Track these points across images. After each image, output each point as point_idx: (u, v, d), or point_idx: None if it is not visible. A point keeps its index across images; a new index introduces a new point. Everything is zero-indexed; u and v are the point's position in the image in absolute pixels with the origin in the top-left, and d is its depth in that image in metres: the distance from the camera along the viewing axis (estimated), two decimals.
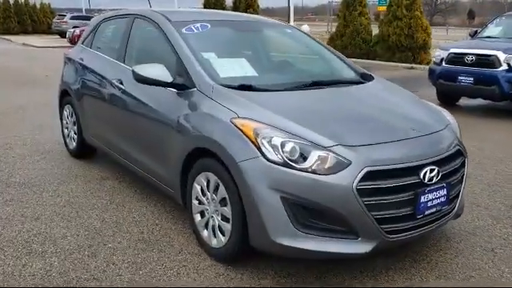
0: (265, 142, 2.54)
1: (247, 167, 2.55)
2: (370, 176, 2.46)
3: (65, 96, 4.96)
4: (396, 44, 15.05)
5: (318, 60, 3.87)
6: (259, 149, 2.54)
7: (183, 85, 3.14)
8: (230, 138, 2.67)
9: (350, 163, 2.46)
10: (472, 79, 7.38)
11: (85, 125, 4.52)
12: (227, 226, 2.75)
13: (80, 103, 4.54)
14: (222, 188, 2.75)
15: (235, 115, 2.73)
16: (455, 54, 7.73)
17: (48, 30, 36.49)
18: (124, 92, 3.71)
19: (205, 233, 2.97)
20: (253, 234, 2.60)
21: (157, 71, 3.14)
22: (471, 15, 77.96)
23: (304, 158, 2.48)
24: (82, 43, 4.80)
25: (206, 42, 3.55)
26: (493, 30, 8.63)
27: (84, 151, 4.83)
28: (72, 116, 4.83)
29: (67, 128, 5.01)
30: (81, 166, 4.70)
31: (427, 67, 14.30)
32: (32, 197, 3.89)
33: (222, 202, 2.77)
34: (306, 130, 2.59)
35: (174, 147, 3.12)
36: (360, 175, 2.44)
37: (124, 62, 3.92)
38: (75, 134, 4.81)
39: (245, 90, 2.99)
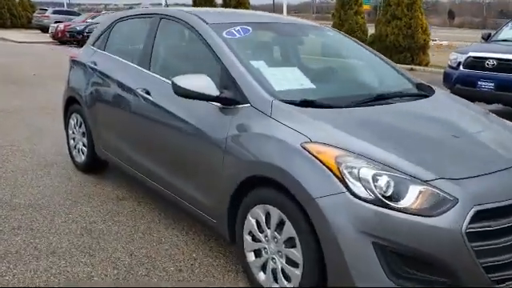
0: (351, 174, 2.10)
1: (328, 205, 2.11)
2: (479, 216, 2.04)
3: (72, 103, 4.44)
4: (394, 44, 14.74)
5: (368, 67, 3.44)
6: (344, 182, 2.10)
7: (231, 99, 2.68)
8: (302, 168, 2.23)
9: (456, 201, 2.05)
10: (493, 85, 7.06)
11: (98, 137, 4.02)
12: (294, 272, 2.31)
13: (92, 113, 4.03)
14: (288, 226, 2.31)
15: (307, 139, 2.28)
16: (474, 57, 7.40)
17: (28, 25, 35.26)
18: (152, 104, 3.22)
19: (261, 276, 2.53)
20: (333, 284, 2.17)
21: (201, 83, 2.68)
22: (451, 15, 78.82)
23: (400, 194, 2.06)
24: (93, 45, 4.28)
25: (251, 48, 3.10)
26: (508, 32, 8.33)
27: (94, 165, 4.33)
28: (80, 126, 4.31)
29: (74, 139, 4.49)
30: (92, 182, 4.19)
31: (428, 69, 14.27)
32: (42, 223, 3.38)
33: (289, 242, 2.32)
34: (399, 159, 2.16)
35: (220, 172, 2.66)
36: (469, 215, 2.02)
37: (149, 69, 3.43)
38: (84, 146, 4.30)
39: (307, 106, 2.55)
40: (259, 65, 2.87)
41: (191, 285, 2.58)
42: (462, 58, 7.60)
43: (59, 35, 21.67)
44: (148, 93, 3.29)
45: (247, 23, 3.26)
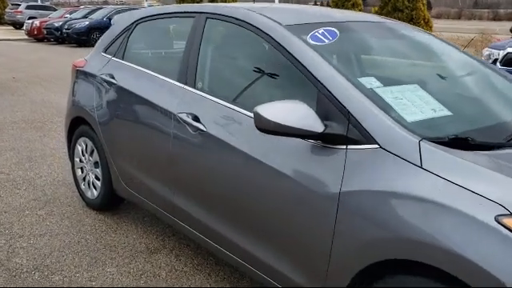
0: None
1: None
2: None
3: (78, 125, 3.53)
4: None
5: (484, 81, 2.62)
6: None
7: (341, 136, 1.86)
8: (496, 254, 1.42)
9: None
10: None
11: (118, 171, 3.14)
12: None
13: (109, 139, 3.15)
14: None
15: (503, 210, 1.46)
16: None
17: None
18: (205, 136, 2.37)
19: None
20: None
21: (299, 115, 1.84)
22: (429, 6, 79.57)
23: None
24: (105, 51, 3.37)
25: (346, 58, 2.27)
26: None
27: (111, 203, 3.45)
28: (92, 154, 3.42)
29: (82, 169, 3.59)
30: (110, 226, 3.31)
31: None
32: None
33: None
34: None
35: (325, 247, 1.84)
36: None
37: (194, 87, 2.57)
38: (98, 179, 3.41)
39: (460, 146, 1.73)
40: (370, 83, 2.04)
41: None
42: (498, 54, 6.90)
43: (35, 32, 20.38)
44: (197, 119, 2.43)
45: (329, 23, 2.42)
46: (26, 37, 21.30)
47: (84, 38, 17.75)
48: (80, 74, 3.51)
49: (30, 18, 23.20)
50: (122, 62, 3.18)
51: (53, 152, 4.91)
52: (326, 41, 2.25)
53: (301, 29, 2.30)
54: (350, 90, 1.92)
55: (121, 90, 3.03)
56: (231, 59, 2.65)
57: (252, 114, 1.95)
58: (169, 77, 2.75)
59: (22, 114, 6.69)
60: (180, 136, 2.54)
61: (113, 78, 3.12)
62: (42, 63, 12.78)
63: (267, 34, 2.28)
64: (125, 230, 3.25)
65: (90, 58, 3.53)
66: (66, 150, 4.88)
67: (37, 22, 20.58)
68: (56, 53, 15.82)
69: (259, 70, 2.35)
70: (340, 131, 1.86)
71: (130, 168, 3.03)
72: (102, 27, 17.85)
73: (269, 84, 2.33)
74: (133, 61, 3.13)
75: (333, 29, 2.36)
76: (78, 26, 17.91)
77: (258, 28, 2.33)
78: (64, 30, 18.19)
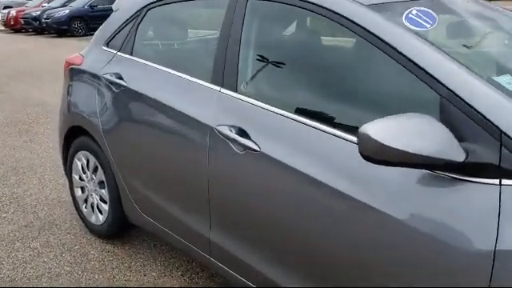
0: None
1: None
2: None
3: (76, 136, 2.89)
4: None
5: None
6: None
7: (492, 166, 1.27)
8: None
9: None
10: None
11: (131, 193, 2.52)
12: None
13: (119, 154, 2.52)
14: None
15: None
16: None
17: None
18: (258, 157, 1.76)
19: None
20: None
21: (434, 138, 1.25)
22: None
23: None
24: (107, 45, 2.71)
25: (465, 50, 1.67)
26: None
27: (121, 231, 2.83)
28: (96, 171, 2.78)
29: (83, 189, 2.96)
30: (122, 261, 2.69)
31: None
32: None
33: None
34: None
35: None
36: None
37: (236, 90, 1.95)
38: (104, 201, 2.78)
39: None
40: (507, 83, 1.44)
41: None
42: None
43: (12, 23, 19.35)
44: (244, 134, 1.82)
45: (416, 2, 1.82)
46: (2, 28, 20.24)
47: (65, 28, 16.81)
48: (76, 73, 2.85)
49: (5, 8, 22.09)
50: (131, 57, 2.52)
51: (42, 161, 4.24)
52: (427, 25, 1.64)
53: (390, 9, 1.69)
54: (495, 96, 1.32)
55: (132, 94, 2.38)
56: (287, 51, 2.02)
57: (332, 130, 1.43)
58: (198, 77, 2.12)
59: (2, 115, 5.97)
60: (220, 155, 1.92)
61: (120, 78, 2.47)
62: (21, 56, 11.91)
63: (345, 17, 1.66)
64: (141, 266, 2.64)
65: (87, 54, 2.86)
66: (57, 157, 4.24)
67: (13, 12, 19.52)
68: (36, 44, 14.90)
69: (333, 67, 1.74)
70: (489, 159, 1.27)
71: (147, 191, 2.41)
72: (83, 16, 16.95)
73: (350, 86, 1.72)
74: (145, 56, 2.48)
75: (425, 9, 1.75)
76: (57, 15, 16.92)
77: (329, 10, 1.71)
78: (43, 20, 17.19)
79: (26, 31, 19.02)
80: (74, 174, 3.01)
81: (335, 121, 1.65)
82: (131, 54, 2.54)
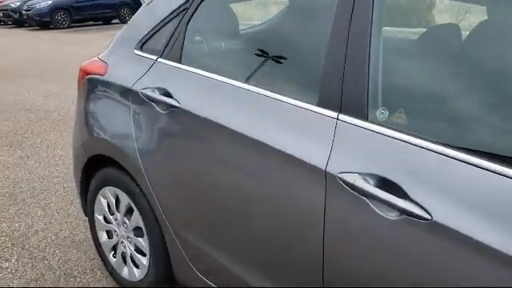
0: None
1: None
2: None
3: (99, 166, 2.22)
4: None
5: None
6: None
7: None
8: None
9: None
10: None
11: (184, 248, 1.88)
12: None
13: (166, 195, 1.88)
14: None
15: None
16: None
17: None
18: (431, 228, 1.13)
19: None
20: None
21: None
22: None
23: None
24: (141, 48, 2.03)
25: None
26: None
27: None
28: (130, 214, 2.13)
29: (111, 234, 2.30)
30: None
31: None
32: None
33: None
34: None
35: None
36: None
37: (367, 118, 1.31)
38: (142, 254, 2.13)
39: None
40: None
41: None
42: None
43: None
44: (393, 188, 1.19)
45: None
46: None
47: (47, 20, 15.84)
48: (99, 86, 2.17)
49: None
50: (180, 66, 1.86)
51: (45, 184, 3.56)
52: None
53: None
54: None
55: (188, 118, 1.73)
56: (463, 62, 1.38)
57: None
58: (292, 95, 1.48)
59: None
60: (349, 215, 1.29)
61: (168, 95, 1.81)
62: (1, 51, 11.04)
63: None
64: None
65: (111, 60, 2.18)
66: (63, 178, 3.56)
67: None
68: (17, 38, 13.97)
69: None
70: None
71: (211, 249, 1.77)
72: (67, 7, 16.01)
73: None
74: (201, 65, 1.82)
75: None
76: (39, 6, 15.91)
77: None
78: (23, 12, 16.18)
79: (5, 24, 17.97)
80: (96, 215, 2.34)
81: None
82: (180, 62, 1.87)
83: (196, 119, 1.70)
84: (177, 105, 1.76)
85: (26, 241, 2.80)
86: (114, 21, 17.83)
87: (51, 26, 15.93)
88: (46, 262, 2.58)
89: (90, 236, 2.74)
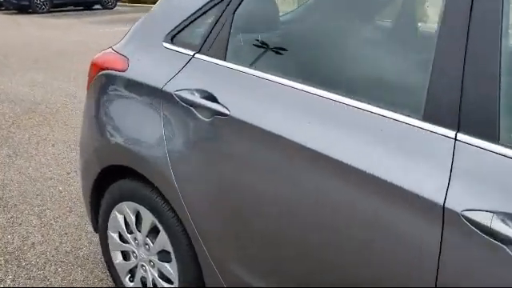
0: None
1: None
2: None
3: (114, 178, 1.90)
4: None
5: None
6: None
7: None
8: None
9: None
10: None
11: (226, 281, 1.57)
12: None
13: (207, 218, 1.57)
14: None
15: None
16: None
17: None
18: None
19: None
20: None
21: None
22: None
23: None
24: (172, 40, 1.71)
25: None
26: None
27: None
28: (154, 234, 1.82)
29: (128, 255, 1.98)
30: None
31: None
32: None
33: None
34: None
35: None
36: None
37: (498, 139, 1.03)
38: (167, 280, 1.82)
39: None
40: None
41: None
42: None
43: None
44: None
45: None
46: None
47: (25, 4, 15.17)
48: (118, 83, 1.83)
49: None
50: (225, 64, 1.54)
51: (38, 187, 3.20)
52: None
53: None
54: None
55: (241, 129, 1.42)
56: None
57: None
58: (387, 107, 1.19)
59: None
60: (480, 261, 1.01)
61: (212, 99, 1.50)
62: None
63: None
64: None
65: (133, 52, 1.85)
66: (57, 179, 3.21)
67: None
68: None
69: None
70: None
71: (268, 283, 1.47)
72: None
73: None
74: (255, 64, 1.51)
75: None
76: None
77: None
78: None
79: None
80: (111, 232, 2.02)
81: None
82: (224, 59, 1.56)
83: (252, 131, 1.39)
84: (226, 112, 1.45)
85: (22, 256, 2.46)
86: (96, 6, 17.22)
87: (30, 11, 15.28)
88: (48, 282, 2.25)
89: (95, 250, 2.44)
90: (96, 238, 2.55)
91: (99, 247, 2.36)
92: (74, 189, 3.16)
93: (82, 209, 2.90)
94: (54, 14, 14.98)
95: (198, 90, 1.54)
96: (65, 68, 6.94)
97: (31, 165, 3.57)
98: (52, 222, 2.78)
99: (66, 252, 2.49)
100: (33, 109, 4.98)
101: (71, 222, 2.76)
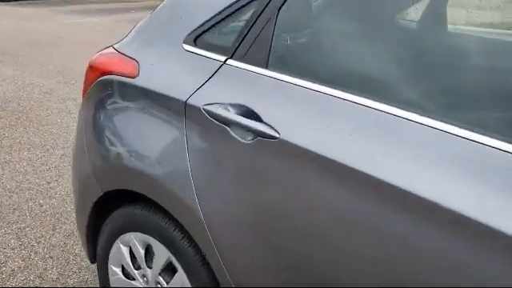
0: None
1: None
2: None
3: (119, 204, 1.59)
4: None
5: None
6: None
7: None
8: None
9: None
10: None
11: None
12: None
13: (237, 256, 1.30)
14: None
15: None
16: None
17: None
18: None
19: None
20: None
21: None
22: None
23: None
24: (195, 42, 1.41)
25: None
26: None
27: None
28: (170, 273, 1.52)
29: None
30: None
31: None
32: None
33: None
34: None
35: None
36: None
37: None
38: None
39: None
40: None
41: None
42: None
43: None
44: None
45: None
46: None
47: None
48: (127, 92, 1.51)
49: None
50: (269, 73, 1.25)
51: (15, 201, 2.84)
52: None
53: None
54: None
55: (293, 155, 1.14)
56: None
57: None
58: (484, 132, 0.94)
59: None
60: None
61: (253, 116, 1.21)
62: None
63: None
64: None
65: (144, 55, 1.53)
66: (37, 190, 2.87)
67: None
68: None
69: None
70: None
71: None
72: None
73: None
74: (307, 74, 1.23)
75: None
76: None
77: None
78: None
79: None
80: (112, 266, 1.71)
81: None
82: (265, 67, 1.27)
83: (311, 159, 1.11)
84: (274, 134, 1.16)
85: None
86: None
87: None
88: None
89: (87, 277, 2.13)
90: (86, 261, 2.23)
91: (92, 274, 2.05)
92: (57, 202, 2.82)
93: (67, 226, 2.57)
94: (21, 2, 14.23)
95: (233, 105, 1.25)
96: (37, 61, 6.46)
97: (5, 173, 3.19)
98: (33, 243, 2.44)
99: (53, 281, 2.16)
100: (3, 107, 4.55)
101: (56, 243, 2.43)
